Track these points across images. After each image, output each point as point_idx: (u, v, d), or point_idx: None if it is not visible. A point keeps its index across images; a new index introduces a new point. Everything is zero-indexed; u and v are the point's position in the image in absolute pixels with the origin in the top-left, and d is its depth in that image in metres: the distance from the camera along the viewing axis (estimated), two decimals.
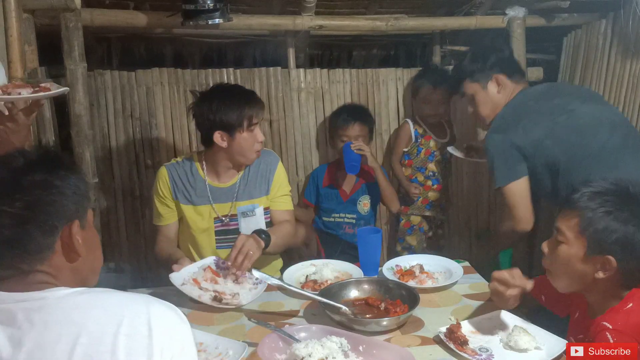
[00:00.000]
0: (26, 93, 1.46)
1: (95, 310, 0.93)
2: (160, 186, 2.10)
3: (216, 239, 2.12)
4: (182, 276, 1.77)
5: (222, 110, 1.98)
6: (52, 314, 0.91)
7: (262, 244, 1.89)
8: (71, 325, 0.90)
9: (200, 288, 1.75)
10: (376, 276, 1.91)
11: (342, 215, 2.72)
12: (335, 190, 2.72)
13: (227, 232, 2.12)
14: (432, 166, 2.83)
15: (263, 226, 2.09)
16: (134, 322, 0.92)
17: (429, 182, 2.83)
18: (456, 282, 1.84)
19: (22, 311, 0.91)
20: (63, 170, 1.02)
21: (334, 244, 2.68)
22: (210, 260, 1.89)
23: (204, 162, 2.12)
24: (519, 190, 2.05)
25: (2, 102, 1.46)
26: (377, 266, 1.95)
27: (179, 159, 2.16)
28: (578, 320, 1.47)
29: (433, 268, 1.94)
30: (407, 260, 1.99)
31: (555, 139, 1.99)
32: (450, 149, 2.66)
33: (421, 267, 1.92)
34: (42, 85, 1.53)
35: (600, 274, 1.34)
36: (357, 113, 2.71)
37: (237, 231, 2.09)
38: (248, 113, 1.99)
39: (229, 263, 1.83)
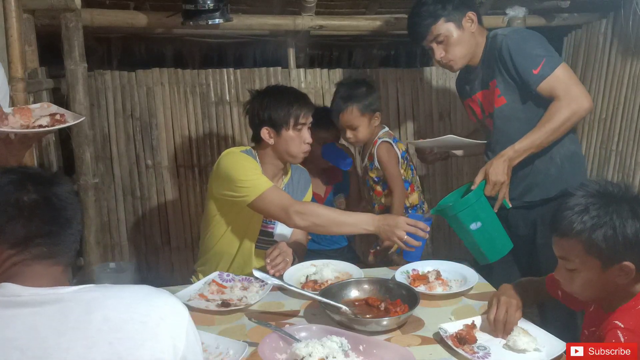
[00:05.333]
0: (44, 122, 1.48)
1: (111, 300, 0.98)
2: (250, 162, 2.03)
3: (258, 237, 2.13)
4: (188, 293, 1.77)
5: (270, 107, 2.03)
6: (67, 304, 0.95)
7: None
8: (90, 313, 0.95)
9: (208, 300, 1.75)
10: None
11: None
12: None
13: (264, 233, 2.14)
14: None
15: (289, 235, 2.14)
16: (147, 310, 0.98)
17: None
18: (465, 290, 1.78)
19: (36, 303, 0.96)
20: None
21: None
22: (213, 275, 1.90)
23: (257, 159, 2.12)
24: (569, 69, 2.03)
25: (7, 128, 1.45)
26: (421, 253, 1.95)
27: (242, 148, 2.13)
28: (592, 314, 1.47)
29: (450, 275, 1.88)
30: (424, 265, 1.94)
31: None
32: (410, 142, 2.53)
33: (438, 273, 1.87)
34: (57, 116, 1.52)
35: (623, 279, 1.33)
36: (330, 115, 2.61)
37: (271, 234, 2.14)
38: (295, 112, 2.03)
39: (267, 260, 1.86)
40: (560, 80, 1.97)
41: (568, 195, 1.39)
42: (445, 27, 2.09)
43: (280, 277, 1.82)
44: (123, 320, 0.95)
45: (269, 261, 1.87)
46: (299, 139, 2.05)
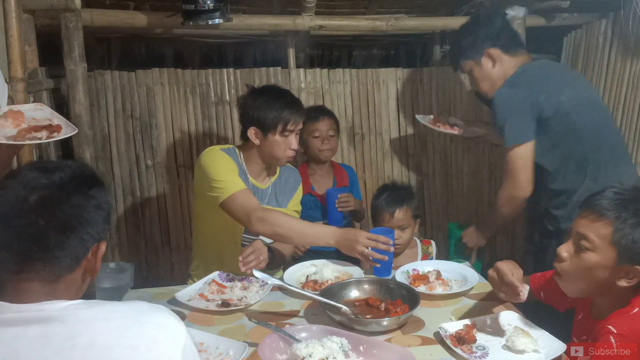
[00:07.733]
0: (44, 135, 1.46)
1: (99, 322, 0.92)
2: (227, 162, 2.03)
3: (243, 236, 2.12)
4: (188, 293, 1.77)
5: (262, 108, 2.02)
6: (52, 325, 0.90)
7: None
8: (75, 337, 0.89)
9: (208, 300, 1.75)
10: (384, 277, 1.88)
11: (325, 222, 2.55)
12: (314, 198, 2.59)
13: (249, 232, 2.12)
14: None
15: None
16: (138, 333, 0.92)
17: None
18: (465, 290, 1.78)
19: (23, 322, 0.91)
20: (101, 189, 1.08)
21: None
22: (213, 275, 1.90)
23: (242, 157, 2.12)
24: (526, 153, 2.03)
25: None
26: (390, 268, 1.91)
27: (224, 147, 2.13)
28: (582, 321, 1.46)
29: (451, 275, 1.89)
30: (424, 265, 1.95)
31: (576, 105, 2.03)
32: (418, 117, 2.69)
33: (438, 273, 1.87)
34: (53, 124, 1.50)
35: (624, 282, 1.32)
36: (324, 109, 2.66)
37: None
38: (286, 117, 2.01)
39: (240, 258, 1.85)
40: (514, 159, 2.05)
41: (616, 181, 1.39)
42: (468, 65, 2.19)
43: (281, 277, 1.83)
44: (110, 345, 0.89)
45: (241, 258, 1.84)
46: (284, 144, 2.04)
